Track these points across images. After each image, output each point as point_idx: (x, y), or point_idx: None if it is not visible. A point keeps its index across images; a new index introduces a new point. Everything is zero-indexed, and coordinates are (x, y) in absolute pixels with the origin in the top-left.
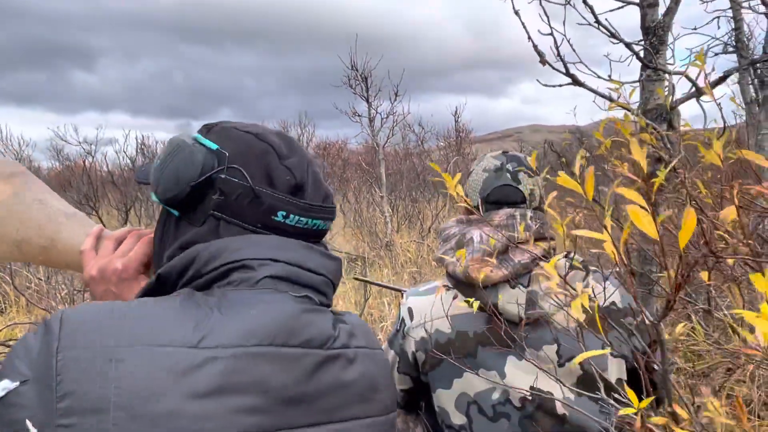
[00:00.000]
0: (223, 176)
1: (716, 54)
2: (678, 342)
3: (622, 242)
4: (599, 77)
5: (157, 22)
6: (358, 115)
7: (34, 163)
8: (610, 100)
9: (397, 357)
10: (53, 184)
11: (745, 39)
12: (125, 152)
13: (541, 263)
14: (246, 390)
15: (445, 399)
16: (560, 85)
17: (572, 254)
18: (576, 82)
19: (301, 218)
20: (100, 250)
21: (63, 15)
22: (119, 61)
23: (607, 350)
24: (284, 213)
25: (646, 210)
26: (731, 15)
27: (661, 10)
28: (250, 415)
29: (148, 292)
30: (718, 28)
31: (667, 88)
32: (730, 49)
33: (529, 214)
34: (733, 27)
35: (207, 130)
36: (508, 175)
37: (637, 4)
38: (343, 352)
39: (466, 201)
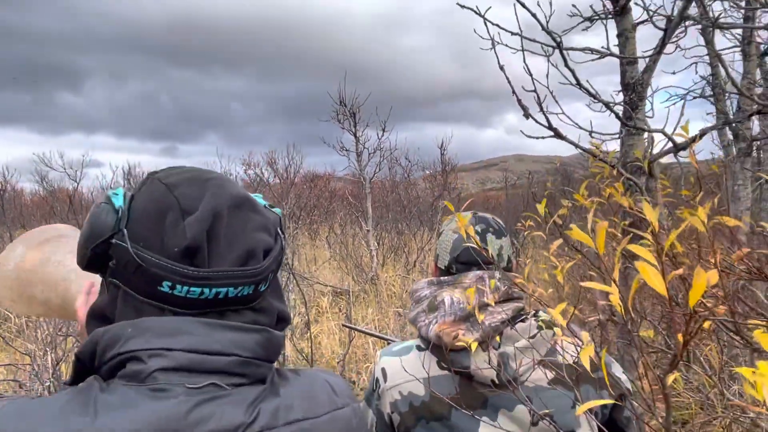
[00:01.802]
0: (114, 241)
1: (694, 97)
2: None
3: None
4: (581, 128)
5: (145, 45)
6: (346, 150)
7: (17, 186)
8: (592, 154)
9: (374, 417)
10: (36, 210)
11: (722, 83)
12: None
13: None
14: None
15: None
16: (543, 137)
17: (540, 313)
18: (558, 135)
19: (193, 288)
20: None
21: (50, 36)
22: (106, 83)
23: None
24: (169, 283)
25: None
26: (708, 61)
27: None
28: None
29: (75, 370)
30: (696, 72)
31: (646, 140)
32: (708, 93)
33: (498, 275)
34: (710, 73)
35: (145, 180)
36: (477, 237)
37: (616, 56)
38: None
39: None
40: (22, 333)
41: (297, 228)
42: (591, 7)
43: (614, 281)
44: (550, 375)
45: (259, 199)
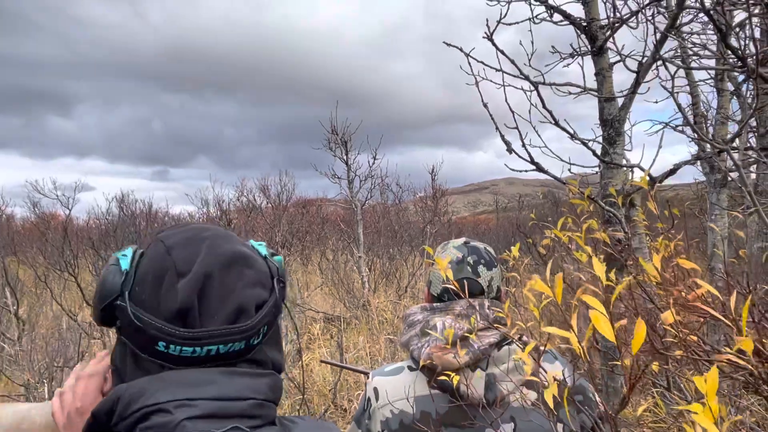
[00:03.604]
0: (118, 302)
1: (674, 128)
2: (640, 419)
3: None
4: (562, 160)
5: (138, 71)
6: (338, 177)
7: (7, 209)
8: (570, 190)
9: None
10: (27, 237)
11: (704, 110)
12: (107, 217)
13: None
14: None
15: None
16: (526, 171)
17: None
18: (540, 170)
19: (185, 348)
20: (64, 403)
21: (42, 62)
22: (98, 107)
23: None
24: (164, 343)
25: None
26: (689, 90)
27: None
28: None
29: (88, 429)
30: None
31: (625, 171)
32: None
33: (487, 303)
34: (691, 102)
35: (154, 239)
36: (469, 268)
37: (594, 94)
38: None
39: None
40: (17, 362)
41: (289, 254)
42: (571, 45)
43: (572, 328)
44: (534, 396)
45: (261, 248)
